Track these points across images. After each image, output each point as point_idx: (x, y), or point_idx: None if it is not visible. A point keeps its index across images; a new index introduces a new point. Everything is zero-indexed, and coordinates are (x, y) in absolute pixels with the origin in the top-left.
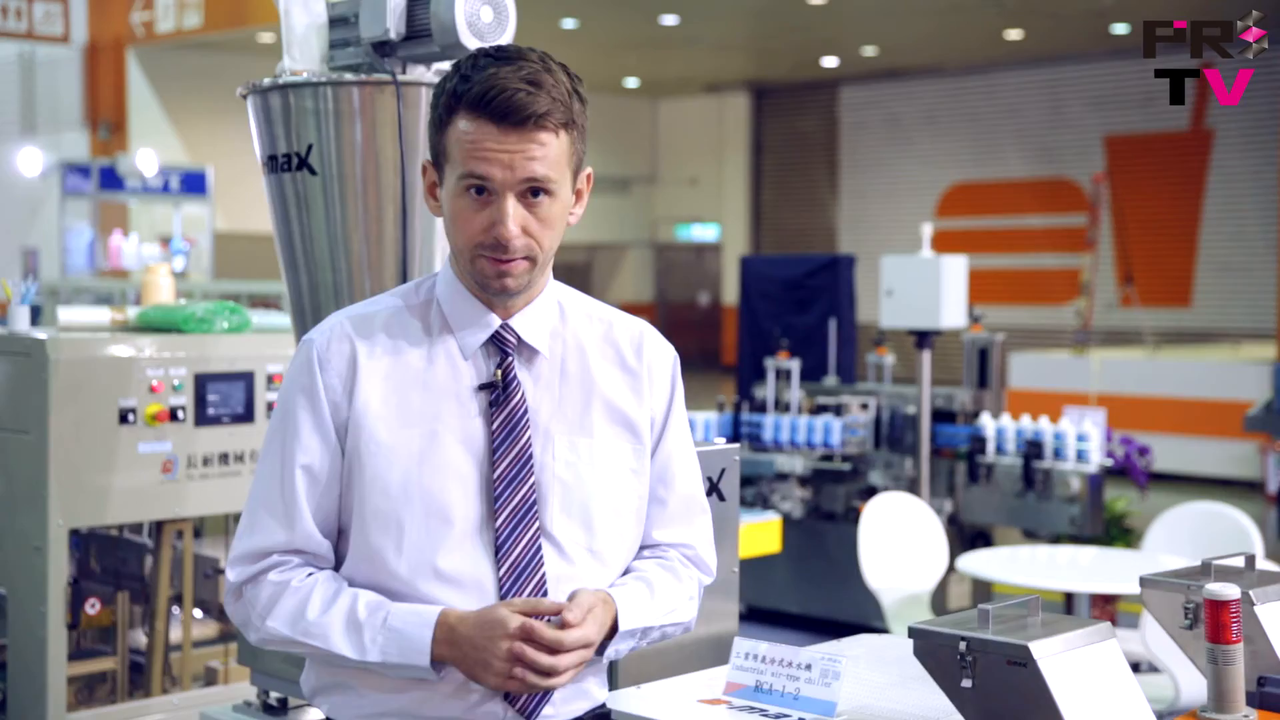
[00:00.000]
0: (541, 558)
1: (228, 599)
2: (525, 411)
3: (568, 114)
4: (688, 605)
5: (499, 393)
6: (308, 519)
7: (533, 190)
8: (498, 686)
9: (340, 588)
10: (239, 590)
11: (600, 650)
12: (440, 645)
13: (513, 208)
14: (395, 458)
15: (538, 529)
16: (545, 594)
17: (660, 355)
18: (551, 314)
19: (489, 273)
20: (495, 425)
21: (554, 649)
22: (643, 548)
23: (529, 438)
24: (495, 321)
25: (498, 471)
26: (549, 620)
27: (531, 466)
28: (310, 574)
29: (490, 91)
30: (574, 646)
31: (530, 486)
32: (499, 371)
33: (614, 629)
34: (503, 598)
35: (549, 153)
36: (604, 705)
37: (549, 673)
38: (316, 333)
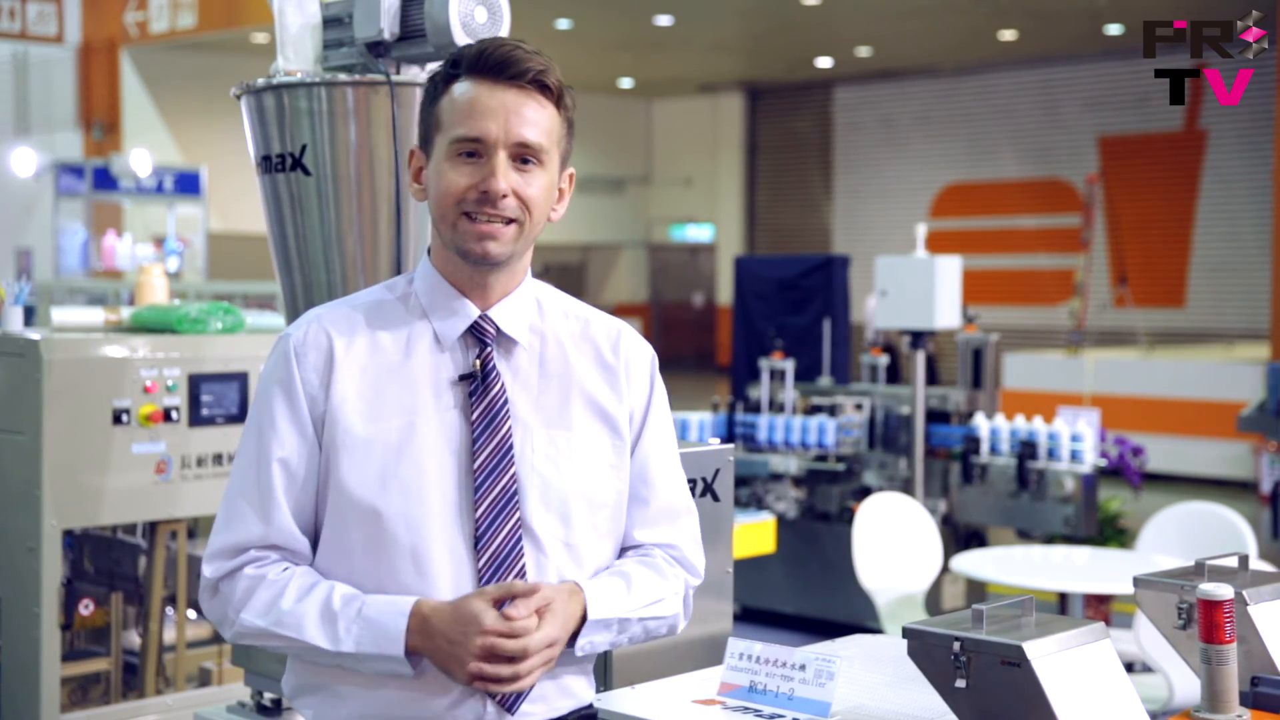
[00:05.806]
0: (522, 549)
1: (203, 595)
2: (505, 402)
3: (561, 88)
4: (672, 601)
5: (478, 384)
6: (285, 514)
7: (523, 158)
8: (466, 682)
9: (317, 580)
10: (215, 586)
11: (571, 643)
12: (414, 635)
13: (504, 165)
14: (372, 450)
15: (518, 520)
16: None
17: (638, 352)
18: (530, 308)
19: (472, 236)
20: (475, 416)
21: (519, 656)
22: (626, 548)
23: (509, 428)
24: (474, 311)
25: (478, 461)
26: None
27: (512, 457)
28: (286, 569)
29: (488, 47)
30: (539, 649)
31: (511, 477)
32: (478, 362)
33: (584, 620)
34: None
35: (542, 119)
36: (590, 706)
37: (515, 677)
38: (294, 327)
